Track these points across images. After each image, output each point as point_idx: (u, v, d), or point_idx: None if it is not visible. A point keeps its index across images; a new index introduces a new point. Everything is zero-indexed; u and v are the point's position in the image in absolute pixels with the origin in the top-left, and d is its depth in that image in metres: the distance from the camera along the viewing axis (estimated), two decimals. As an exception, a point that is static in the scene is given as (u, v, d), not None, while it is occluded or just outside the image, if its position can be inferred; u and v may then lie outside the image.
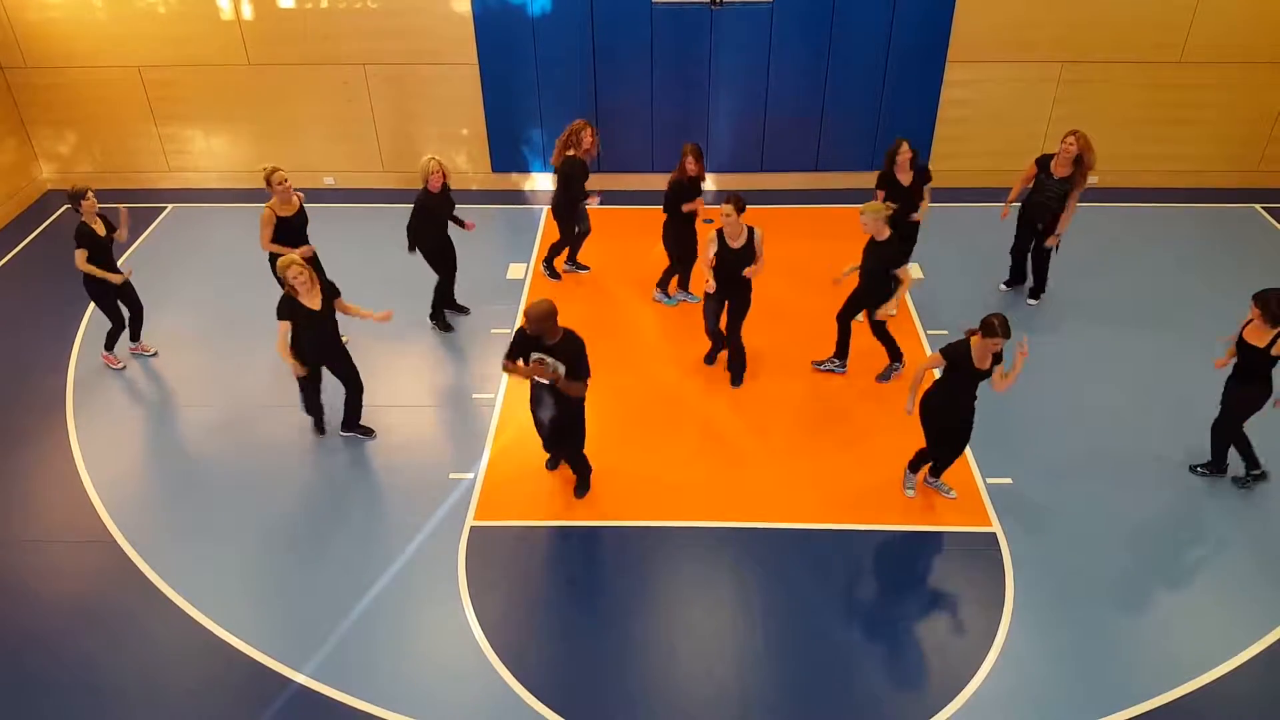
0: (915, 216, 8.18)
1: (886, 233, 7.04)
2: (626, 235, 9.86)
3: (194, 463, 7.10)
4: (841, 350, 7.81)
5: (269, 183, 7.53)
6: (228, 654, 5.65)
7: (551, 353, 5.91)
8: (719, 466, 6.98)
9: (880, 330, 7.59)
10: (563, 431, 6.41)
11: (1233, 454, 6.74)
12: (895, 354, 7.75)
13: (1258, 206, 10.55)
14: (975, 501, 6.64)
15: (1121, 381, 7.77)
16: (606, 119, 10.56)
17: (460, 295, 8.72)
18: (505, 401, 7.66)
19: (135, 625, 5.85)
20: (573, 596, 6.01)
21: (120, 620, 5.88)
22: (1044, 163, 8.14)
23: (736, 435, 7.29)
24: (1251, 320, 6.21)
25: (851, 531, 6.40)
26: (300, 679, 5.48)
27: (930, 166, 10.72)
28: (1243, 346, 6.29)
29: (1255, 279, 9.12)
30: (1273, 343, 6.09)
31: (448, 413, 7.60)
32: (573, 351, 5.94)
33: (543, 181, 11.07)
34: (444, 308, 8.48)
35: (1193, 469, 6.85)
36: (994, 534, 6.37)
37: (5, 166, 10.69)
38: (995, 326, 5.67)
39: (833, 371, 7.88)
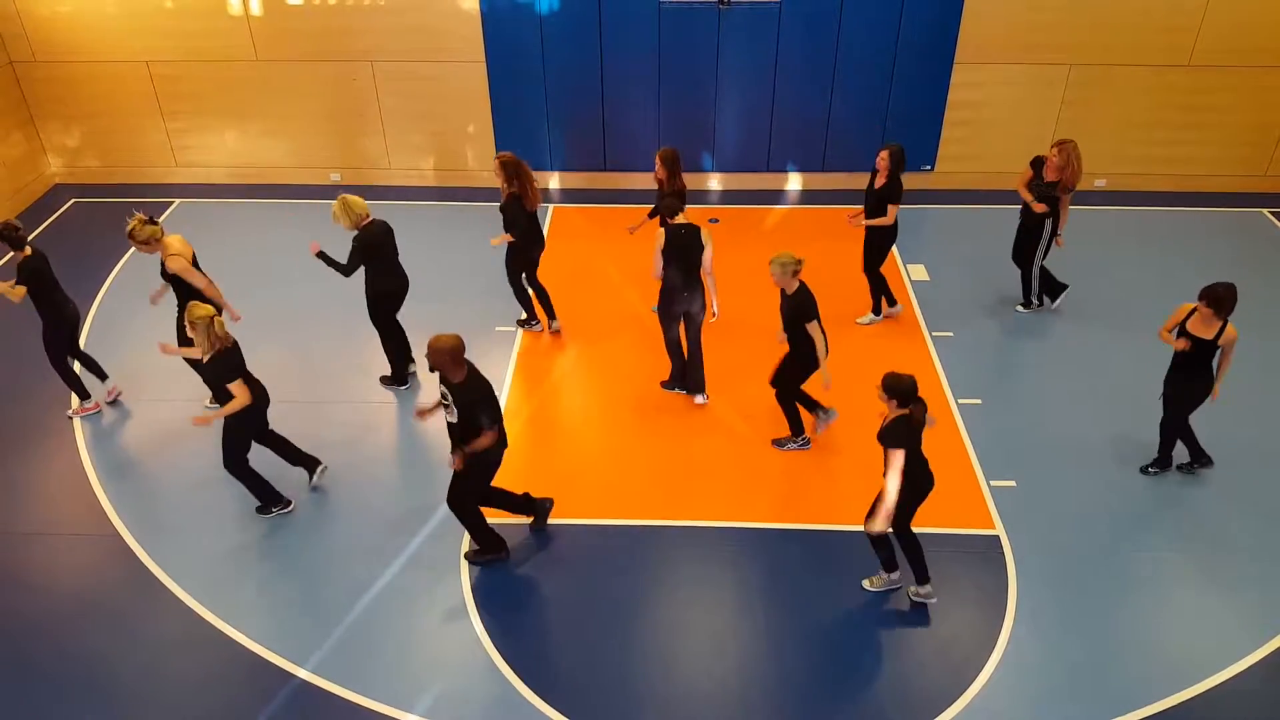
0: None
1: (794, 285, 6.46)
2: (622, 234, 9.83)
3: (198, 458, 7.11)
4: (811, 407, 7.15)
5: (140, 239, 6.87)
6: (230, 648, 5.66)
7: (453, 393, 5.48)
8: (722, 466, 6.97)
9: (788, 398, 6.94)
10: (455, 475, 5.77)
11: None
12: (797, 426, 7.05)
13: (1265, 211, 10.52)
14: (979, 504, 6.63)
15: (1125, 385, 7.74)
16: (613, 118, 10.57)
17: (464, 292, 8.70)
18: (508, 399, 7.66)
19: (139, 619, 5.86)
20: (574, 594, 6.01)
21: (124, 614, 5.90)
22: (1037, 165, 8.18)
23: (740, 435, 7.28)
24: (1195, 313, 6.30)
25: (855, 533, 6.38)
26: (302, 674, 5.49)
27: (937, 167, 10.80)
28: (1186, 339, 6.34)
29: (1262, 284, 9.14)
30: (1219, 334, 6.18)
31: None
32: (472, 397, 5.43)
33: (548, 180, 11.08)
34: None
35: (1144, 470, 6.87)
36: (997, 536, 6.36)
37: (14, 160, 10.72)
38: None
39: (802, 448, 7.19)
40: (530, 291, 8.35)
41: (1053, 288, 8.69)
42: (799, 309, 6.49)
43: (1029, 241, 8.41)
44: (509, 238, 7.78)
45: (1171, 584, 6.04)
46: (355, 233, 7.05)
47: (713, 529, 6.44)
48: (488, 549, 6.15)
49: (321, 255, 7.02)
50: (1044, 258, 8.44)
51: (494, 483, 6.05)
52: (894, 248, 9.71)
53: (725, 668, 5.52)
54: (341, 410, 7.56)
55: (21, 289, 6.90)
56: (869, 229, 8.15)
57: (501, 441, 5.75)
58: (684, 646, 5.67)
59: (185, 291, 7.00)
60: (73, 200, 10.97)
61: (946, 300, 8.91)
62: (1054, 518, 6.51)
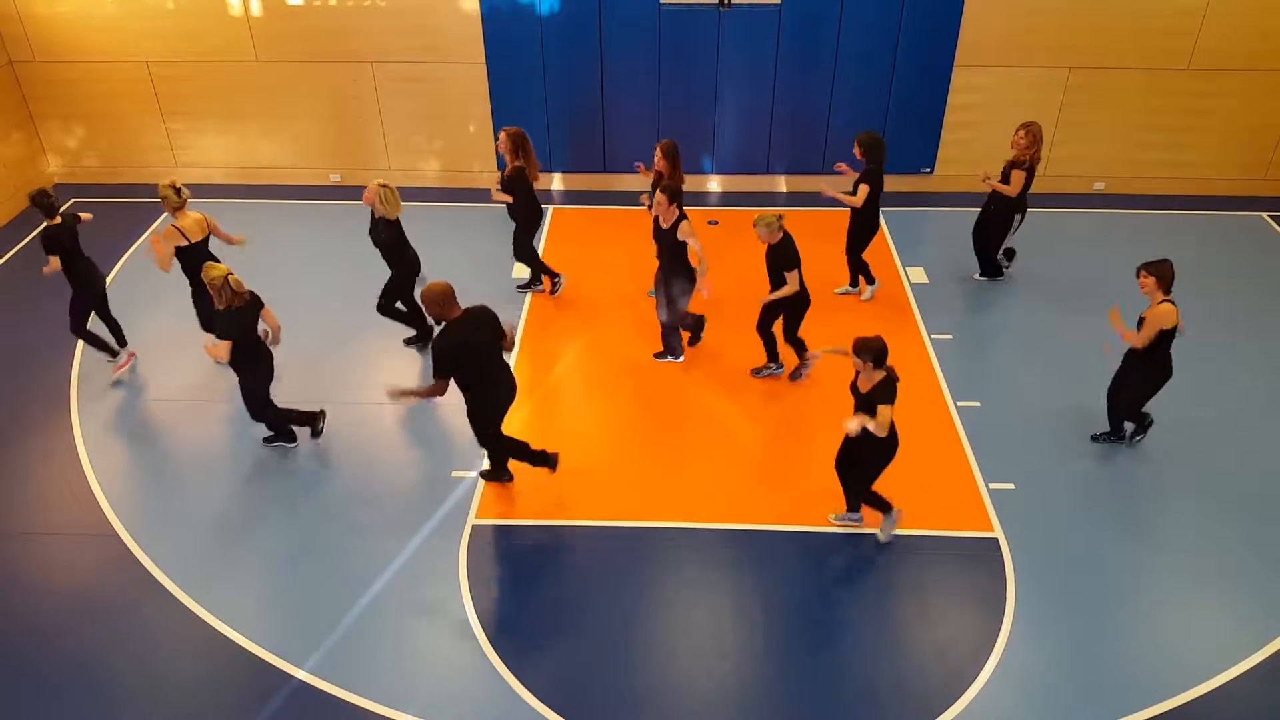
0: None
1: (779, 237, 7.15)
2: (630, 235, 9.85)
3: (197, 457, 7.11)
4: (772, 354, 7.84)
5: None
6: (229, 649, 5.66)
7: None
8: (722, 468, 6.97)
9: (791, 335, 7.62)
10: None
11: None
12: (773, 354, 7.83)
13: (1264, 214, 10.53)
14: (977, 506, 6.63)
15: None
16: (613, 119, 10.57)
17: (465, 294, 8.69)
18: (508, 400, 7.67)
19: (137, 619, 5.86)
20: (573, 595, 6.01)
21: (122, 614, 5.89)
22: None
23: (740, 437, 7.28)
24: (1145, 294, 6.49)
25: (854, 535, 6.39)
26: (301, 675, 5.48)
27: (936, 170, 10.81)
28: (1140, 322, 6.51)
29: (1261, 287, 9.15)
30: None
31: (450, 410, 7.59)
32: (439, 336, 5.88)
33: (549, 180, 11.09)
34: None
35: (1093, 438, 7.13)
36: (995, 539, 6.36)
37: (13, 160, 10.72)
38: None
39: (773, 375, 7.91)
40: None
41: (1010, 256, 9.22)
42: (779, 256, 7.16)
43: (994, 224, 8.79)
44: (508, 197, 8.20)
45: (1170, 587, 6.04)
46: (388, 220, 7.50)
47: (712, 530, 6.44)
48: (497, 471, 6.75)
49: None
50: (1007, 240, 8.89)
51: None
52: (892, 249, 9.76)
53: (724, 669, 5.52)
54: (342, 410, 7.55)
55: (55, 259, 7.29)
56: (852, 214, 8.46)
57: (491, 392, 6.15)
58: (682, 647, 5.67)
59: (190, 266, 7.44)
60: (73, 200, 10.96)
61: (945, 303, 8.92)
62: (1053, 520, 6.51)
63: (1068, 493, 6.74)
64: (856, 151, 8.18)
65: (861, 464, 6.05)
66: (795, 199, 10.91)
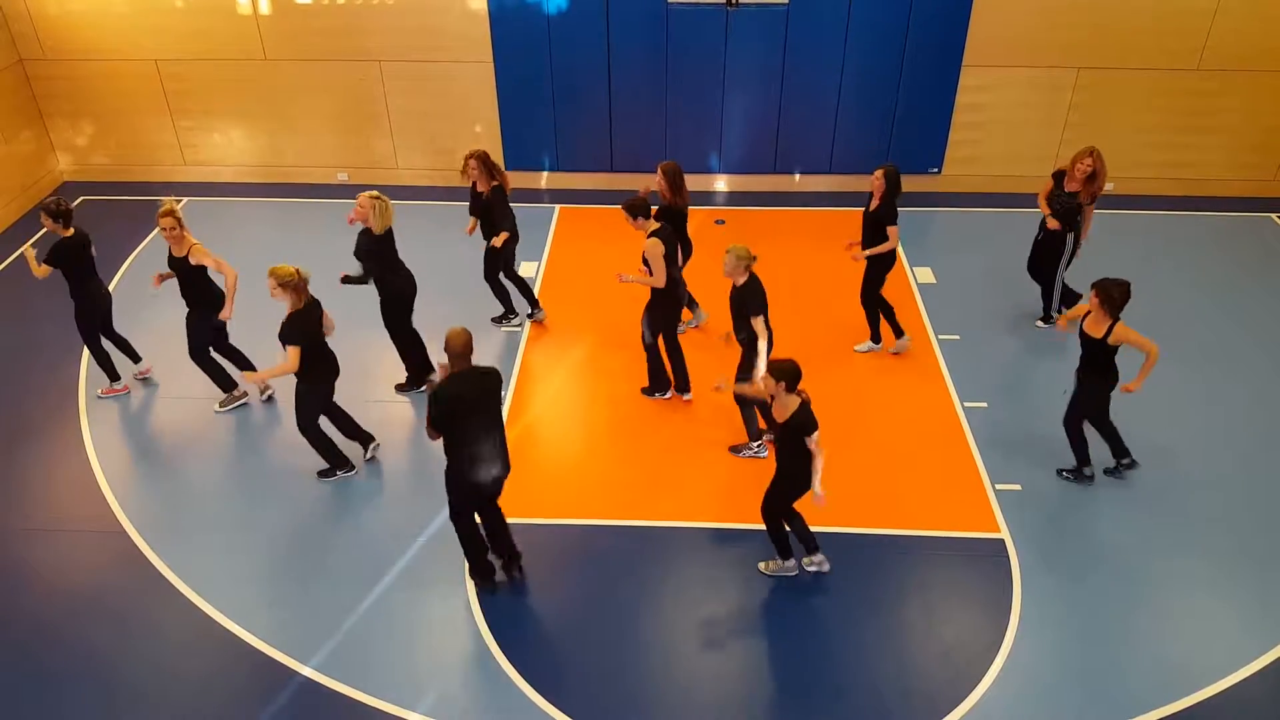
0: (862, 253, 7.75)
1: (743, 278, 6.42)
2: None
3: (205, 456, 7.14)
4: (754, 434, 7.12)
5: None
6: (235, 646, 5.68)
7: None
8: (726, 467, 6.97)
9: (741, 400, 6.82)
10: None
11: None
12: (755, 433, 6.99)
13: (1274, 216, 10.49)
14: (984, 507, 6.62)
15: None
16: (620, 118, 10.58)
17: (470, 293, 8.72)
18: (512, 399, 7.67)
19: (144, 616, 5.88)
20: (579, 594, 6.01)
21: (129, 611, 5.91)
22: (1059, 177, 7.99)
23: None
24: (1090, 311, 6.30)
25: (858, 535, 6.38)
26: (306, 672, 5.50)
27: (944, 170, 10.78)
28: (1082, 338, 6.36)
29: (1270, 288, 9.11)
30: (1108, 333, 6.19)
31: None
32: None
33: (556, 179, 11.10)
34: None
35: (1059, 473, 6.87)
36: (1001, 540, 6.35)
37: (23, 157, 10.77)
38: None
39: (756, 456, 7.11)
40: (510, 285, 8.46)
41: (1072, 302, 8.49)
42: (742, 302, 6.43)
43: (1047, 254, 8.23)
44: (505, 235, 7.89)
45: (1177, 589, 6.02)
46: (373, 235, 7.10)
47: (717, 530, 6.44)
48: (475, 572, 6.01)
49: (347, 279, 7.24)
50: (1065, 269, 8.27)
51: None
52: (899, 249, 9.73)
53: (729, 669, 5.52)
54: (349, 410, 7.55)
55: (46, 269, 7.10)
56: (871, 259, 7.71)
57: (470, 461, 5.41)
58: (687, 648, 5.67)
59: (192, 286, 7.19)
60: (82, 198, 11.01)
61: (953, 303, 8.90)
62: (1059, 521, 6.49)
63: (1074, 493, 6.73)
64: (877, 183, 7.48)
65: (773, 487, 5.74)
66: (800, 199, 10.90)
